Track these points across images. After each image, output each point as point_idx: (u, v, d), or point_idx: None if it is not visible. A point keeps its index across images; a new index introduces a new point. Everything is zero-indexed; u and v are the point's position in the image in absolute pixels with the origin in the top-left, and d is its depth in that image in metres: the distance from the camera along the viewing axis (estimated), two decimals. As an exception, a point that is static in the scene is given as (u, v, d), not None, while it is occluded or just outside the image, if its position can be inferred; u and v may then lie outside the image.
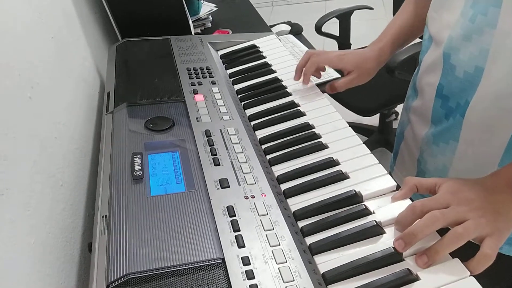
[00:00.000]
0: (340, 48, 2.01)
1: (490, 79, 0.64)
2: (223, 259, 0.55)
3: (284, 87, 0.94)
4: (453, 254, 0.54)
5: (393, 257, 0.55)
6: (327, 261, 0.57)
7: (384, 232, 0.59)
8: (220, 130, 0.79)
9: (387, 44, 0.90)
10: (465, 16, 0.66)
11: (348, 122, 0.81)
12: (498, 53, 0.62)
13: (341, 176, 0.68)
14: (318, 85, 0.95)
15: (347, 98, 1.80)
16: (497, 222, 0.53)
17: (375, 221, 0.59)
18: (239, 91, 0.97)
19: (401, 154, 0.95)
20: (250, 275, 0.53)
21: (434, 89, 0.76)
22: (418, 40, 0.98)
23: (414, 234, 0.54)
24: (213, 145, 0.75)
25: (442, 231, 0.55)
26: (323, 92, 0.93)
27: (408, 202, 0.61)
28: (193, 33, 1.28)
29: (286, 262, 0.55)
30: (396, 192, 0.64)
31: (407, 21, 0.90)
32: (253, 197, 0.65)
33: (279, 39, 1.18)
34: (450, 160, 0.76)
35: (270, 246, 0.57)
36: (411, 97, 0.88)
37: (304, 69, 0.92)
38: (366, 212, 0.62)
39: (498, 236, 0.53)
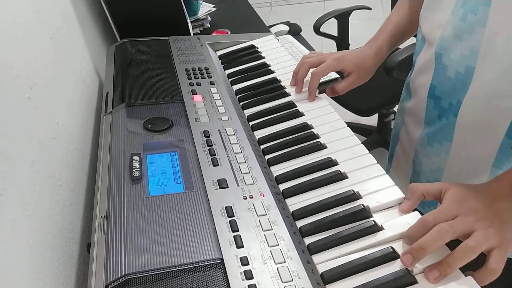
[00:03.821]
0: (338, 48, 2.01)
1: (481, 79, 0.64)
2: (222, 259, 0.55)
3: (283, 87, 0.94)
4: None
5: (391, 256, 0.55)
6: (325, 261, 0.57)
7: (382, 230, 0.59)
8: (219, 130, 0.79)
9: (385, 41, 0.90)
10: (456, 15, 0.66)
11: (346, 122, 0.81)
12: (488, 52, 0.62)
13: (340, 176, 0.68)
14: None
15: (345, 98, 1.80)
16: (503, 231, 0.53)
17: (374, 220, 0.60)
18: (237, 91, 0.97)
19: (396, 155, 0.95)
20: (248, 275, 0.53)
21: (426, 89, 0.76)
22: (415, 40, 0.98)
23: (423, 248, 0.52)
24: (212, 145, 0.75)
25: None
26: (322, 92, 0.93)
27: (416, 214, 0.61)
28: (191, 34, 1.28)
29: (285, 262, 0.55)
30: (403, 203, 0.62)
31: (403, 18, 0.91)
32: (251, 197, 0.65)
33: (278, 40, 1.18)
34: (444, 161, 0.77)
35: (269, 246, 0.57)
36: (405, 98, 0.88)
37: (310, 85, 0.90)
38: (364, 212, 0.62)
39: (506, 246, 0.52)
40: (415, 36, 0.85)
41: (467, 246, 0.51)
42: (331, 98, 1.79)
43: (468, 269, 0.52)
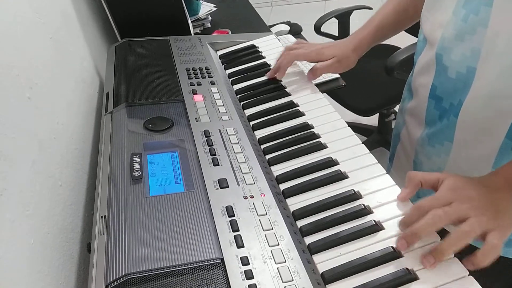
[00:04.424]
0: (339, 48, 2.01)
1: (483, 79, 0.64)
2: (222, 259, 0.55)
3: (283, 87, 0.94)
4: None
5: (391, 256, 0.55)
6: (326, 261, 0.57)
7: (383, 230, 0.59)
8: (219, 130, 0.79)
9: (368, 35, 0.92)
10: (458, 16, 0.66)
11: (347, 122, 0.81)
12: (489, 53, 0.62)
13: (340, 176, 0.68)
14: (318, 85, 0.95)
15: (346, 98, 1.80)
16: (497, 219, 0.54)
17: (374, 220, 0.60)
18: (238, 91, 0.97)
19: (397, 155, 0.95)
20: (249, 275, 0.53)
21: (427, 90, 0.76)
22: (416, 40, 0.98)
23: (416, 233, 0.54)
24: (212, 145, 0.75)
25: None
26: (322, 92, 0.93)
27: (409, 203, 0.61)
28: (192, 33, 1.28)
29: (285, 262, 0.55)
30: (401, 191, 0.63)
31: (389, 15, 0.91)
32: (252, 197, 0.65)
33: (278, 39, 1.18)
34: (444, 161, 0.77)
35: (269, 246, 0.57)
36: (406, 98, 0.88)
37: (282, 62, 0.94)
38: (365, 212, 0.62)
39: (502, 230, 0.53)
40: (416, 35, 0.85)
41: (461, 231, 0.52)
42: (332, 97, 1.80)
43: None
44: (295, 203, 0.66)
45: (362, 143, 0.75)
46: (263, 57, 1.08)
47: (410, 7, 0.87)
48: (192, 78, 0.97)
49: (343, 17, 1.95)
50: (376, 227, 0.59)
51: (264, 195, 0.65)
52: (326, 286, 0.54)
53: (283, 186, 0.69)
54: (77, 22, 1.09)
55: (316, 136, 0.78)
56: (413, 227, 0.54)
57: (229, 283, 0.52)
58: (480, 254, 0.52)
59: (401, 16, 0.89)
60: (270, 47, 1.12)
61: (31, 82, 0.72)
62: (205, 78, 0.97)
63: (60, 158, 0.78)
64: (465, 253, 0.53)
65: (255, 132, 0.83)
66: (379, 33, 0.92)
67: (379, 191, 0.65)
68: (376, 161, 0.71)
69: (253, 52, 1.11)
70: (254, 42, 1.15)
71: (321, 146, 0.75)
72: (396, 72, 1.48)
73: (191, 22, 1.31)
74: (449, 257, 0.54)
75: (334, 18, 1.93)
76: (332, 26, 1.94)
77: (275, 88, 0.95)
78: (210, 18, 1.55)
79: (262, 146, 0.79)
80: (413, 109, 0.84)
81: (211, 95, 0.91)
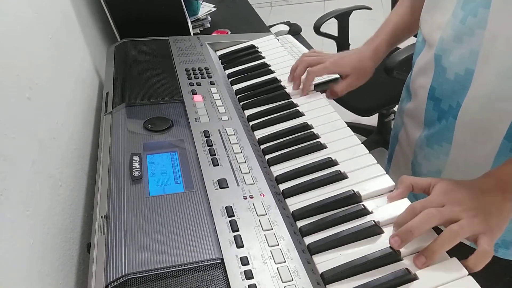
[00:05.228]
0: (338, 48, 2.01)
1: (481, 81, 0.64)
2: (222, 259, 0.55)
3: (283, 87, 0.94)
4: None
5: (391, 256, 0.55)
6: (325, 261, 0.57)
7: (382, 232, 0.59)
8: (219, 130, 0.79)
9: (383, 41, 0.90)
10: (456, 17, 0.66)
11: (346, 122, 0.81)
12: (488, 55, 0.62)
13: (340, 176, 0.68)
14: (317, 85, 0.95)
15: (345, 98, 1.79)
16: (488, 222, 0.54)
17: (374, 220, 0.60)
18: (237, 91, 0.97)
19: (395, 156, 0.95)
20: (248, 275, 0.53)
21: (426, 91, 0.76)
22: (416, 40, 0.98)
23: (410, 230, 0.54)
24: (212, 145, 0.75)
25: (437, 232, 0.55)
26: (322, 92, 0.93)
27: (406, 202, 0.62)
28: (191, 34, 1.28)
29: (285, 262, 0.55)
30: (392, 191, 0.64)
31: (402, 18, 0.91)
32: (251, 197, 0.65)
33: (278, 40, 1.18)
34: (443, 163, 0.77)
35: (269, 246, 0.57)
36: (405, 99, 0.88)
37: (302, 79, 0.92)
38: (364, 212, 0.62)
39: (491, 233, 0.54)
40: (415, 36, 0.85)
41: (451, 231, 0.53)
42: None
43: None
44: (295, 203, 0.66)
45: (362, 143, 0.75)
46: (263, 57, 1.08)
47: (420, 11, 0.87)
48: (191, 79, 0.97)
49: (343, 17, 1.95)
50: (375, 227, 0.59)
51: (263, 195, 0.65)
52: (326, 286, 0.54)
53: (282, 186, 0.69)
54: (76, 22, 1.09)
55: (316, 136, 0.78)
56: (407, 225, 0.55)
57: (228, 283, 0.52)
58: (473, 259, 0.52)
59: (416, 18, 0.88)
60: (270, 47, 1.12)
61: (31, 82, 0.72)
62: (205, 78, 0.97)
63: (60, 158, 0.78)
64: (463, 255, 0.53)
65: (254, 132, 0.83)
66: (394, 38, 0.91)
67: (379, 191, 0.65)
68: (376, 162, 0.71)
69: (252, 53, 1.11)
70: (254, 42, 1.16)
71: (320, 146, 0.75)
72: (396, 72, 1.48)
73: (191, 22, 1.31)
74: (446, 259, 0.54)
75: (333, 19, 1.94)
76: (331, 26, 1.94)
77: (275, 88, 0.95)
78: (209, 18, 1.55)
79: (262, 146, 0.79)
80: (412, 110, 0.84)
81: (211, 95, 0.91)
